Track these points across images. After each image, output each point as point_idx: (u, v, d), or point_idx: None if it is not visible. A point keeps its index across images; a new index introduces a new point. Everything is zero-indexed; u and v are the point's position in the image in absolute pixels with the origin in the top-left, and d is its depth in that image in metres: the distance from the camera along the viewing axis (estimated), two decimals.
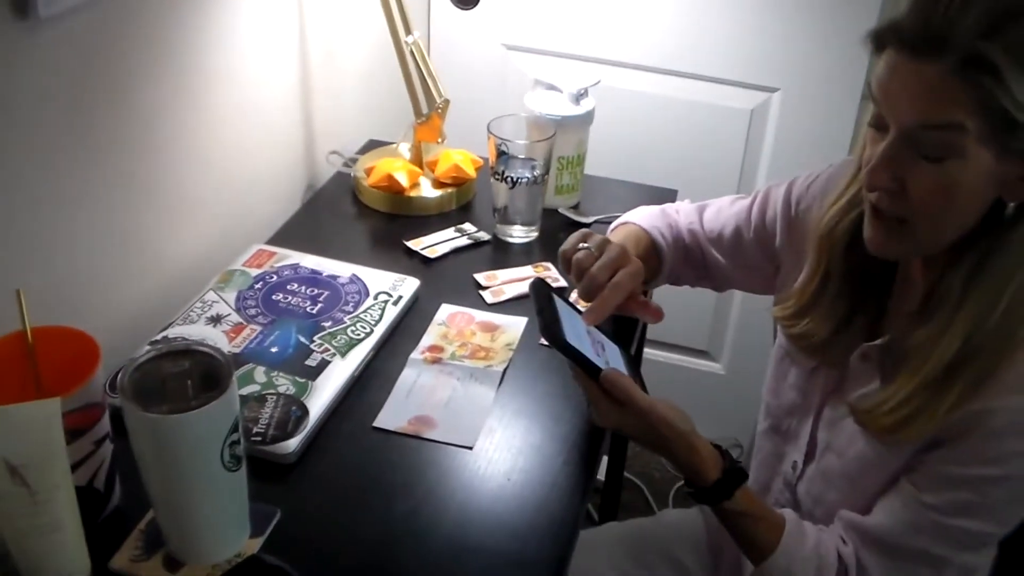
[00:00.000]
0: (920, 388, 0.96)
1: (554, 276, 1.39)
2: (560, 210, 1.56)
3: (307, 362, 1.15)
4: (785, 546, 1.03)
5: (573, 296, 1.26)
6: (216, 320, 1.21)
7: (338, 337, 1.20)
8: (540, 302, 1.04)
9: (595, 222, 1.54)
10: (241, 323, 1.21)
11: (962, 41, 0.83)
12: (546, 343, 1.00)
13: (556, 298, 1.08)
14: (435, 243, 1.45)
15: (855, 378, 1.07)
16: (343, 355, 1.17)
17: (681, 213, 1.33)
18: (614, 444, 1.88)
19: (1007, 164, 0.88)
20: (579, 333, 1.04)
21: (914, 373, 0.96)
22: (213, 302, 1.24)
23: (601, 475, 1.97)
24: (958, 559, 0.98)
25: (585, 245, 1.11)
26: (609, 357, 1.07)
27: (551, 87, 1.53)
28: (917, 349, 0.97)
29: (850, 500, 1.06)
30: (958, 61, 0.84)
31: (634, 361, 1.13)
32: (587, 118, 1.54)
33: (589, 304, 1.10)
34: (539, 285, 1.07)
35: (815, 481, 1.13)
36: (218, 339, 1.17)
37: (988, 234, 0.93)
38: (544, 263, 1.42)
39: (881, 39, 0.91)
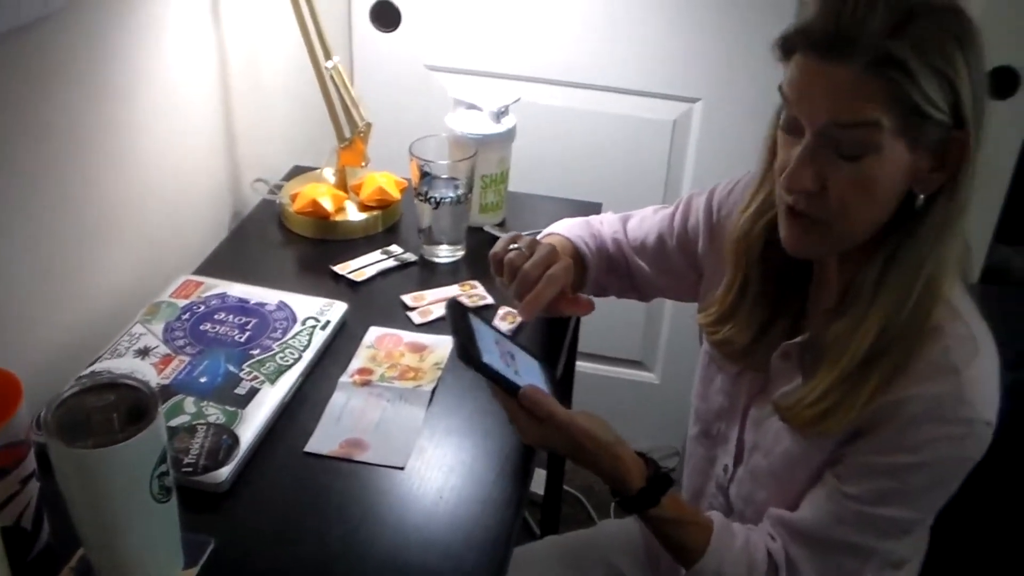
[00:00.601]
0: (839, 381, 0.99)
1: (480, 294, 1.40)
2: (485, 228, 1.58)
3: (236, 391, 1.16)
4: (714, 548, 1.05)
5: (501, 313, 1.29)
6: (144, 352, 1.21)
7: (267, 364, 1.20)
8: (456, 323, 1.04)
9: None
10: (169, 354, 1.21)
11: (871, 41, 0.87)
12: (467, 365, 1.01)
13: (472, 317, 1.08)
14: (362, 266, 1.45)
15: (778, 377, 1.10)
16: (272, 382, 1.18)
17: (605, 224, 1.35)
18: (552, 458, 1.89)
19: (919, 157, 0.92)
20: (497, 352, 1.05)
21: (832, 367, 0.99)
22: (140, 334, 1.24)
23: (540, 489, 1.98)
24: (882, 547, 1.01)
25: (515, 246, 1.13)
26: (528, 372, 1.08)
27: (472, 106, 1.54)
28: (835, 344, 1.00)
29: (779, 498, 1.08)
30: (869, 60, 0.87)
31: (554, 374, 1.14)
32: (509, 135, 1.55)
33: (522, 303, 1.11)
34: (454, 306, 1.08)
35: (744, 482, 1.15)
36: (146, 371, 1.17)
37: (899, 228, 0.97)
38: (471, 281, 1.43)
39: (790, 44, 0.94)
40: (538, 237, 1.31)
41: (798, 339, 1.07)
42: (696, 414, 1.26)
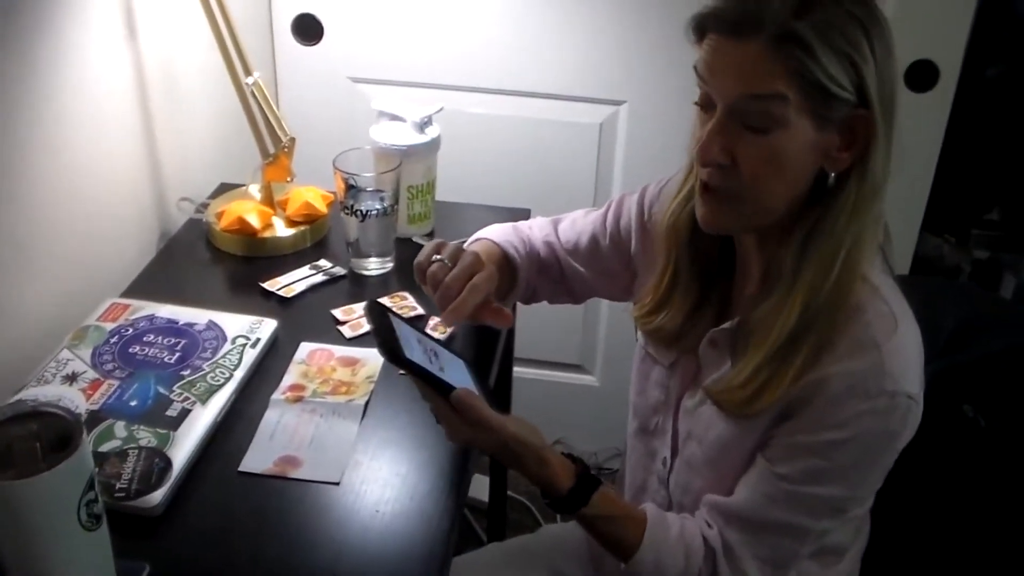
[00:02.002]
0: (766, 361, 1.02)
1: (411, 305, 1.41)
2: (414, 239, 1.58)
3: (168, 412, 1.15)
4: (649, 539, 1.07)
5: (432, 323, 1.29)
6: (72, 378, 1.20)
7: (197, 385, 1.20)
8: (376, 322, 1.05)
9: None
10: (98, 379, 1.20)
11: (775, 19, 0.92)
12: (391, 363, 1.02)
13: (394, 318, 1.09)
14: (291, 282, 1.45)
15: (708, 365, 1.13)
16: (204, 402, 1.17)
17: (535, 228, 1.36)
18: (495, 464, 1.89)
19: (826, 134, 0.97)
20: (420, 349, 1.06)
21: (759, 348, 1.02)
22: (68, 360, 1.23)
23: (484, 496, 1.99)
24: (817, 527, 1.03)
25: (438, 257, 1.13)
26: (454, 371, 1.09)
27: (395, 117, 1.55)
28: (760, 325, 1.03)
29: (715, 485, 1.11)
30: (773, 37, 0.92)
31: (480, 374, 1.16)
32: (433, 145, 1.56)
33: (444, 313, 1.12)
34: (374, 306, 1.08)
35: (682, 472, 1.17)
36: (75, 397, 1.16)
37: (814, 206, 1.00)
38: (401, 293, 1.43)
39: (702, 25, 0.99)
40: (466, 243, 1.32)
41: (725, 325, 1.10)
42: (634, 410, 1.28)
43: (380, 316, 1.07)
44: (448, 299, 1.11)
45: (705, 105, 1.01)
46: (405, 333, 1.07)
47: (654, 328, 1.18)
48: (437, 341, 1.14)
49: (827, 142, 0.97)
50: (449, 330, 1.33)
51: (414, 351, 1.04)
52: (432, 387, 1.03)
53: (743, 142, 0.97)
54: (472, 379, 1.12)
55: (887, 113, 0.97)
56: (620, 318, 2.18)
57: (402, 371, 1.02)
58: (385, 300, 1.40)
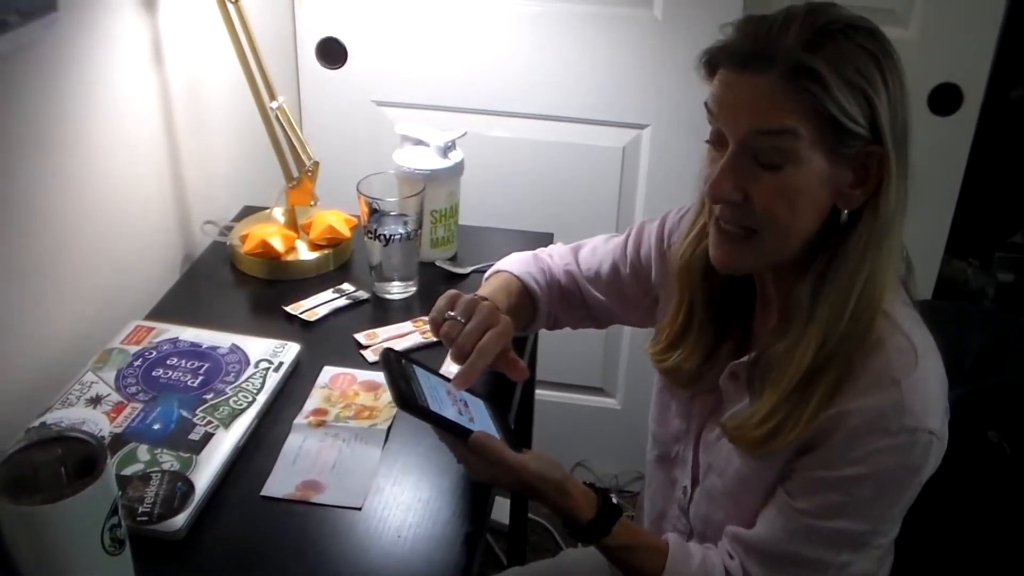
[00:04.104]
0: (783, 400, 1.00)
1: None
2: (437, 263, 1.58)
3: (191, 436, 1.15)
4: (671, 570, 1.07)
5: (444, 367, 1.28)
6: (96, 401, 1.20)
7: (220, 409, 1.20)
8: (392, 372, 1.04)
9: (472, 272, 1.56)
10: (122, 402, 1.20)
11: (787, 54, 0.92)
12: (405, 411, 1.02)
13: (413, 365, 1.09)
14: (314, 306, 1.45)
15: (728, 398, 1.12)
16: (226, 426, 1.17)
17: (555, 256, 1.35)
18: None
19: (839, 170, 0.96)
20: (442, 397, 1.06)
21: (776, 386, 1.01)
22: (92, 383, 1.23)
23: (505, 519, 1.98)
24: (837, 560, 1.02)
25: (451, 314, 1.12)
26: (474, 413, 1.08)
27: (419, 142, 1.55)
28: (778, 362, 1.02)
29: (735, 516, 1.10)
30: (785, 71, 0.92)
31: (501, 411, 1.16)
32: (457, 170, 1.56)
33: (454, 376, 1.11)
34: (388, 355, 1.08)
35: (702, 503, 1.16)
36: (99, 420, 1.17)
37: (828, 244, 1.00)
38: (424, 317, 1.42)
39: (713, 61, 0.98)
40: (486, 275, 1.33)
41: (745, 359, 1.09)
42: (654, 438, 1.27)
43: (397, 365, 1.07)
44: (462, 357, 1.10)
45: (716, 142, 1.00)
46: (421, 377, 1.07)
47: (670, 367, 1.17)
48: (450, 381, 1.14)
49: (840, 178, 0.97)
50: None
51: (433, 398, 1.04)
52: (449, 432, 1.03)
53: (755, 179, 0.96)
54: (491, 418, 1.12)
55: (900, 149, 0.96)
56: (642, 341, 2.15)
57: (418, 418, 1.02)
58: (410, 338, 1.39)
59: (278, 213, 1.63)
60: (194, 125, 1.60)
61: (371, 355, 1.36)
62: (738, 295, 1.13)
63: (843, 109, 0.92)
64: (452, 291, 1.16)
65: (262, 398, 1.23)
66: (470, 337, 1.10)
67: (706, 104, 0.99)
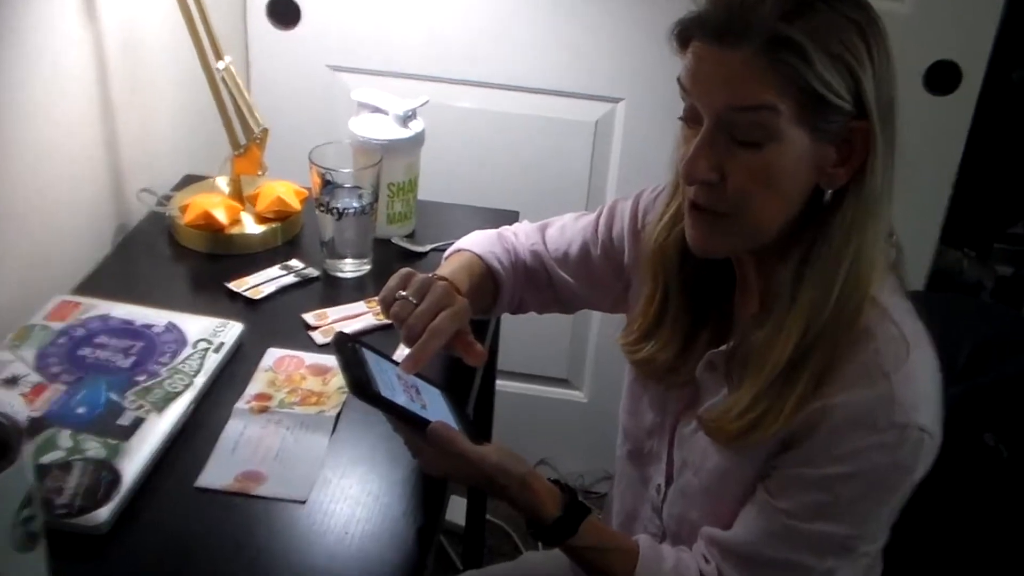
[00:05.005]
0: (764, 389, 1.00)
1: None
2: (393, 240, 1.58)
3: (119, 421, 1.13)
4: (642, 572, 1.06)
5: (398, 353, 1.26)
6: (12, 382, 1.16)
7: (154, 392, 1.18)
8: (345, 357, 1.04)
9: (431, 250, 1.56)
10: (42, 383, 1.17)
11: (764, 24, 0.90)
12: (361, 400, 1.00)
13: (363, 349, 1.08)
14: (259, 283, 1.44)
15: (706, 390, 1.11)
16: (160, 411, 1.15)
17: (521, 235, 1.35)
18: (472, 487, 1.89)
19: (821, 147, 0.95)
20: (394, 383, 1.05)
21: (757, 375, 1.00)
22: (8, 362, 1.20)
23: (461, 520, 1.98)
24: (821, 565, 1.01)
25: (403, 294, 1.11)
26: (430, 403, 1.08)
27: (376, 110, 1.54)
28: (758, 350, 1.01)
29: (712, 516, 1.09)
30: (763, 43, 0.90)
31: (458, 402, 1.15)
32: (417, 140, 1.55)
33: (402, 360, 1.10)
34: (341, 340, 1.08)
35: (677, 502, 1.16)
36: (14, 402, 1.14)
37: (810, 225, 0.99)
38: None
39: (685, 33, 0.97)
40: (447, 253, 1.32)
41: (723, 348, 1.09)
42: (625, 432, 1.27)
43: (350, 350, 1.06)
44: (413, 339, 1.09)
45: (691, 118, 0.99)
46: (377, 365, 1.07)
47: (643, 359, 1.16)
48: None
49: (822, 156, 0.96)
50: None
51: (387, 386, 1.03)
52: (405, 422, 1.03)
53: (732, 158, 0.96)
54: (449, 408, 1.12)
55: (886, 124, 0.95)
56: (612, 329, 2.15)
57: (374, 407, 1.01)
58: (362, 319, 1.39)
59: (222, 183, 1.61)
60: (131, 85, 1.57)
61: (320, 337, 1.35)
62: (716, 280, 1.13)
63: (825, 82, 0.91)
64: (406, 269, 1.15)
65: (200, 381, 1.21)
66: (422, 318, 1.09)
67: (679, 79, 0.98)
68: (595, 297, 1.34)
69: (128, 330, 1.28)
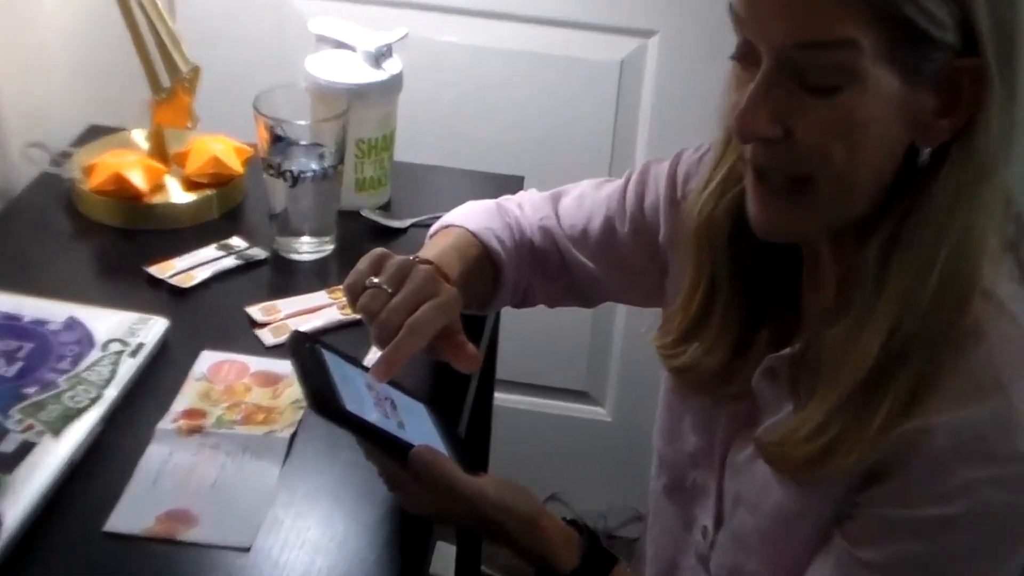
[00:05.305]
0: (840, 406, 0.98)
1: None
2: (364, 212, 1.58)
3: (1, 447, 1.13)
4: None
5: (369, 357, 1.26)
6: None
7: (48, 408, 1.18)
8: (302, 362, 1.04)
9: (413, 226, 1.57)
10: None
11: None
12: (324, 418, 1.00)
13: (325, 352, 1.08)
14: (190, 267, 1.45)
15: (765, 405, 1.10)
16: (56, 433, 1.15)
17: (527, 206, 1.35)
18: (465, 530, 1.89)
19: (917, 94, 0.93)
20: (362, 394, 1.06)
21: (831, 387, 0.99)
22: None
23: (450, 572, 1.99)
24: None
25: (375, 280, 1.11)
26: (410, 420, 1.08)
27: (341, 45, 1.54)
28: (833, 355, 1.00)
29: (773, 569, 1.09)
30: None
31: (447, 419, 1.15)
32: (393, 85, 1.55)
33: (374, 364, 1.10)
34: (297, 340, 1.08)
35: (728, 550, 1.16)
36: None
37: (903, 195, 0.97)
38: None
39: None
40: (433, 230, 1.32)
41: (787, 351, 1.08)
42: (661, 460, 1.27)
43: (307, 353, 1.06)
44: (386, 340, 1.09)
45: (745, 58, 0.97)
46: (344, 372, 1.07)
47: (685, 365, 1.16)
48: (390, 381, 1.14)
49: (918, 105, 0.94)
50: None
51: (355, 397, 1.03)
52: (380, 445, 1.03)
53: (800, 108, 0.94)
54: (435, 428, 1.12)
55: (1005, 64, 0.93)
56: (642, 327, 2.16)
57: (340, 427, 1.02)
58: (323, 314, 1.39)
59: (139, 137, 1.61)
60: (18, 10, 1.57)
61: (269, 336, 1.35)
62: (778, 264, 1.12)
63: (922, 7, 0.89)
64: (379, 250, 1.15)
65: (111, 393, 1.22)
66: (398, 311, 1.09)
67: (730, 6, 0.97)
68: (622, 286, 1.35)
69: (13, 327, 1.29)
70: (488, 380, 1.72)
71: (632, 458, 2.18)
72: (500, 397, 1.82)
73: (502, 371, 1.77)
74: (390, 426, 1.03)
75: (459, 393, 1.29)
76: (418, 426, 1.09)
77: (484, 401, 1.74)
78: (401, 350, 1.07)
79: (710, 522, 1.19)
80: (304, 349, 1.06)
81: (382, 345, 1.08)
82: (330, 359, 1.08)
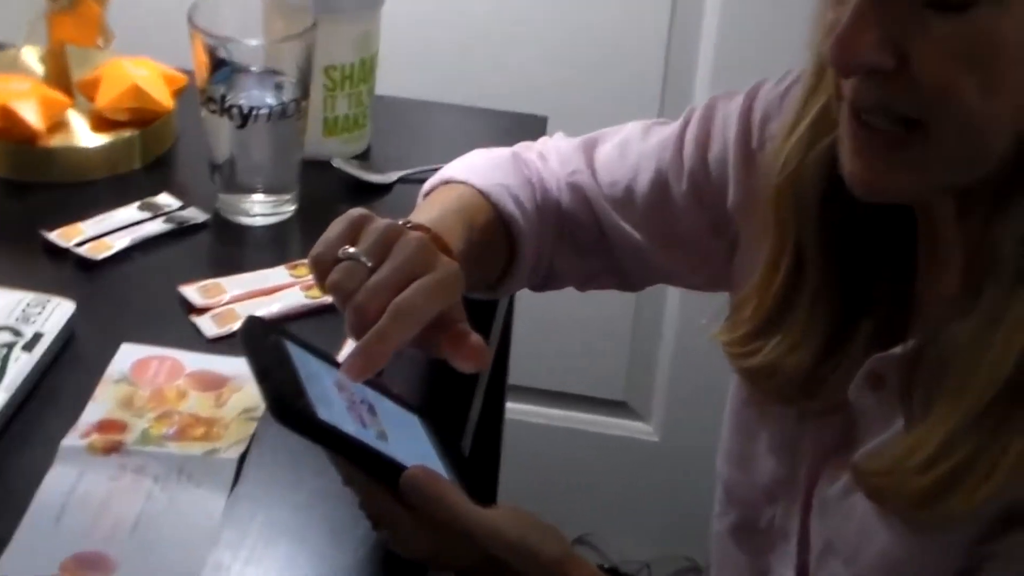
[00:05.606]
0: (969, 423, 0.99)
1: None
2: (335, 163, 1.60)
3: None
4: None
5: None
6: None
7: None
8: (259, 357, 1.04)
9: (400, 181, 1.58)
10: None
11: None
12: (289, 428, 1.00)
13: (288, 343, 1.08)
14: (103, 232, 1.46)
15: (866, 421, 1.11)
16: None
17: (552, 157, 1.36)
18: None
19: None
20: (335, 400, 1.05)
21: (957, 398, 1.00)
22: None
23: None
24: None
25: (351, 251, 1.11)
26: (396, 433, 1.08)
27: None
28: (960, 356, 1.00)
29: None
30: None
31: (447, 438, 1.15)
32: None
33: (348, 357, 1.10)
34: (252, 328, 1.09)
35: None
36: None
37: None
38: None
39: None
40: (428, 186, 1.34)
41: (896, 350, 1.08)
42: (728, 493, 1.29)
43: (268, 346, 1.06)
44: (363, 329, 1.08)
45: None
46: (312, 370, 1.07)
47: (761, 367, 1.17)
48: (371, 381, 1.13)
49: None
50: None
51: (327, 403, 1.03)
52: (363, 467, 1.03)
53: (920, 27, 0.94)
54: (431, 445, 1.12)
55: None
56: (700, 316, 2.17)
57: (309, 440, 1.02)
58: (284, 295, 1.40)
59: (31, 58, 1.64)
60: None
61: (210, 325, 1.36)
62: (885, 236, 1.12)
63: None
64: (357, 210, 1.15)
65: None
66: (379, 291, 1.08)
67: None
68: (676, 264, 1.36)
69: None
70: (498, 385, 1.72)
71: (685, 490, 2.20)
72: (513, 407, 1.82)
73: (516, 374, 1.78)
74: (368, 437, 1.03)
75: (461, 401, 1.30)
76: (407, 440, 1.08)
77: (493, 412, 1.73)
78: (383, 341, 1.06)
79: (792, 573, 1.20)
80: (262, 340, 1.06)
81: (358, 335, 1.08)
82: (295, 353, 1.07)
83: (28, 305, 1.31)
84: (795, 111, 1.13)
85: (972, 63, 0.93)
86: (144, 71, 1.58)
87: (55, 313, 1.31)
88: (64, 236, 1.44)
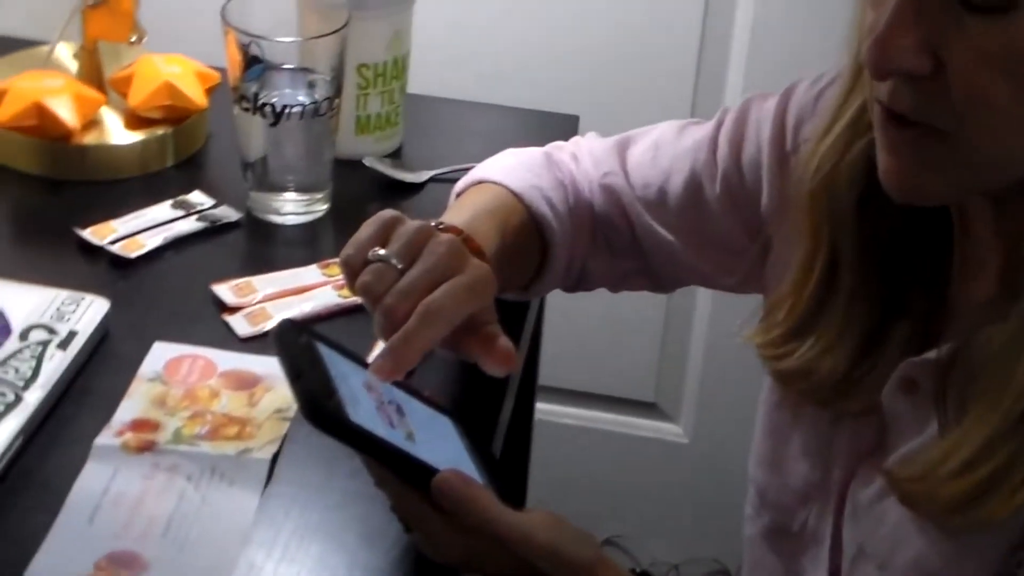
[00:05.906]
0: (1005, 428, 0.98)
1: None
2: (367, 162, 1.60)
3: None
4: None
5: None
6: None
7: None
8: (293, 358, 1.04)
9: (431, 180, 1.59)
10: None
11: None
12: (321, 431, 1.00)
13: (322, 346, 1.08)
14: (136, 231, 1.46)
15: (900, 426, 1.11)
16: None
17: (584, 158, 1.36)
18: None
19: None
20: (371, 403, 1.06)
21: (993, 402, 0.99)
22: None
23: None
24: None
25: (381, 252, 1.11)
26: (431, 437, 1.08)
27: None
28: (996, 360, 1.00)
29: None
30: None
31: (478, 440, 1.15)
32: None
33: (376, 359, 1.10)
34: (288, 331, 1.09)
35: None
36: None
37: None
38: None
39: None
40: (459, 186, 1.34)
41: (931, 354, 1.08)
42: (761, 496, 1.28)
43: (300, 347, 1.07)
44: (392, 329, 1.09)
45: None
46: (342, 371, 1.07)
47: (794, 369, 1.16)
48: (400, 383, 1.13)
49: None
50: None
51: (359, 405, 1.04)
52: (395, 469, 1.04)
53: (957, 31, 0.93)
54: (463, 447, 1.12)
55: None
56: (732, 318, 2.17)
57: (341, 443, 1.02)
58: (316, 295, 1.40)
59: (65, 53, 1.64)
60: None
61: (243, 324, 1.37)
62: (921, 238, 1.12)
63: None
64: (388, 212, 1.15)
65: (33, 397, 1.23)
66: (409, 293, 1.09)
67: None
68: (710, 266, 1.36)
69: None
70: (528, 387, 1.72)
71: (716, 492, 2.19)
72: (543, 408, 1.81)
73: (545, 374, 1.77)
74: (396, 438, 1.03)
75: (492, 402, 1.30)
76: (437, 442, 1.08)
77: (523, 413, 1.72)
78: (411, 342, 1.07)
79: None
80: (296, 342, 1.06)
81: (387, 336, 1.08)
82: (326, 355, 1.07)
83: (63, 303, 1.32)
84: (831, 113, 1.12)
85: (1008, 69, 0.93)
86: (177, 68, 1.59)
87: (89, 311, 1.32)
88: (97, 234, 1.44)
